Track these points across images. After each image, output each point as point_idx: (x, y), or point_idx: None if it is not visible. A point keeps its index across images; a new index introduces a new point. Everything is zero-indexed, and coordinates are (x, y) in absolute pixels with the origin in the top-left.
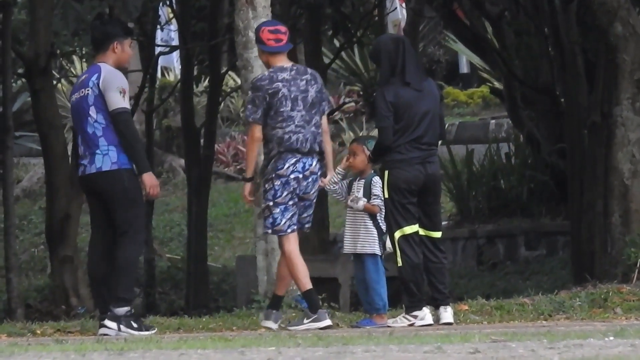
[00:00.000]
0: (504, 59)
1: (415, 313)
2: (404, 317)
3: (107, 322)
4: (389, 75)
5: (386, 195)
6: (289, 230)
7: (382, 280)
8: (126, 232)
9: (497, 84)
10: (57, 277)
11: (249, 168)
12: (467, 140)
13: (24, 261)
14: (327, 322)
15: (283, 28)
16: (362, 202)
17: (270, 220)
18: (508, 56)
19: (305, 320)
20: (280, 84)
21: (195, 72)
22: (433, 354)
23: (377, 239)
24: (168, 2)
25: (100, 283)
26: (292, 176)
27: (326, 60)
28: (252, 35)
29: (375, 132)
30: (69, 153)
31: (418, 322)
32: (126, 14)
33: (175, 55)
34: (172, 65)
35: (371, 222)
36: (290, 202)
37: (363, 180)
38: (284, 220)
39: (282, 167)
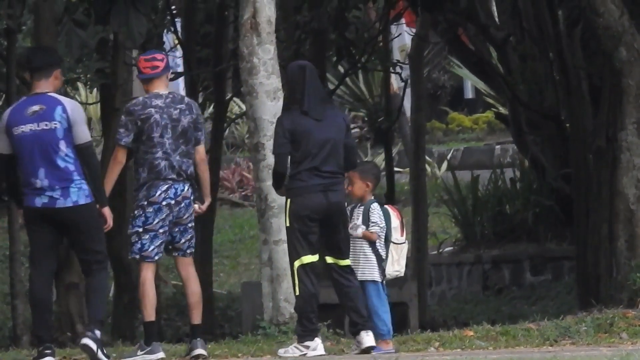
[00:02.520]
0: (509, 84)
1: (307, 343)
2: (295, 347)
3: (89, 342)
4: (288, 103)
5: (287, 224)
6: (156, 258)
7: (385, 306)
8: (101, 261)
9: (502, 109)
10: (63, 303)
11: (107, 190)
12: (472, 165)
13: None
14: (161, 354)
15: (160, 55)
16: (361, 230)
17: (139, 246)
18: (513, 81)
19: (139, 352)
20: (152, 110)
21: (200, 99)
22: None
23: (376, 265)
24: (173, 29)
25: (46, 311)
26: (164, 203)
27: (331, 86)
28: (256, 61)
29: (379, 158)
30: None
31: (310, 353)
32: (131, 40)
33: (181, 81)
34: (177, 91)
35: (370, 249)
36: (161, 230)
37: (362, 207)
38: (152, 247)
39: (155, 194)
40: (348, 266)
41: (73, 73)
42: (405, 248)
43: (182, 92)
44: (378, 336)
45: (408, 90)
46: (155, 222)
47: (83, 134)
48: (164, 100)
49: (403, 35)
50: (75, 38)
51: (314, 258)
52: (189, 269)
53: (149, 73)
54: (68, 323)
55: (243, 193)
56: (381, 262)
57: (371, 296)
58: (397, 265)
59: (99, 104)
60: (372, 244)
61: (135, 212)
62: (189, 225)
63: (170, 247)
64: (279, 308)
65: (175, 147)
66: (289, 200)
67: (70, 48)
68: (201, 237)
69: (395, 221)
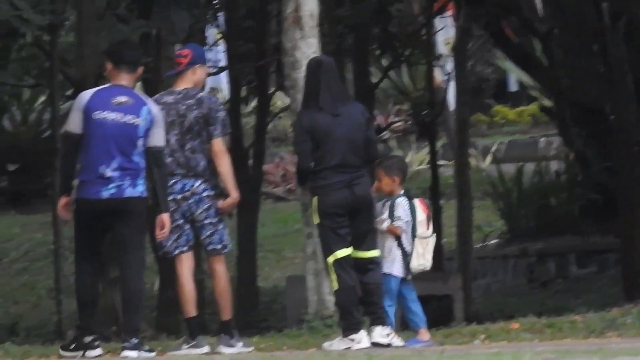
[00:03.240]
0: (553, 77)
1: (352, 336)
2: (340, 340)
3: (130, 353)
4: (307, 100)
5: (316, 221)
6: (176, 252)
7: (413, 298)
8: (141, 258)
9: (546, 102)
10: (107, 298)
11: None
12: (517, 158)
13: (74, 283)
14: (206, 348)
15: (185, 51)
16: (386, 224)
17: (159, 241)
18: (556, 74)
19: (184, 346)
20: (159, 107)
21: (243, 93)
22: None
23: (400, 260)
24: (215, 23)
25: (93, 304)
26: (169, 197)
27: (374, 80)
28: (299, 55)
29: (423, 152)
30: None
31: (355, 346)
32: (173, 35)
33: (224, 76)
34: (220, 86)
35: (395, 243)
36: (173, 225)
37: (389, 202)
38: (169, 242)
39: (174, 189)
40: (374, 258)
41: None
42: (431, 242)
43: (225, 86)
44: (415, 327)
45: (452, 84)
46: (176, 215)
47: (161, 137)
48: (176, 96)
49: (447, 29)
50: (117, 33)
51: (348, 251)
52: (215, 266)
53: (173, 70)
54: (113, 317)
55: (287, 187)
56: (406, 256)
57: (391, 290)
58: (422, 259)
59: None
60: (397, 238)
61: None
62: (206, 222)
63: (199, 242)
64: (323, 301)
65: (182, 143)
66: (315, 198)
67: (113, 43)
68: (245, 232)
69: (421, 215)
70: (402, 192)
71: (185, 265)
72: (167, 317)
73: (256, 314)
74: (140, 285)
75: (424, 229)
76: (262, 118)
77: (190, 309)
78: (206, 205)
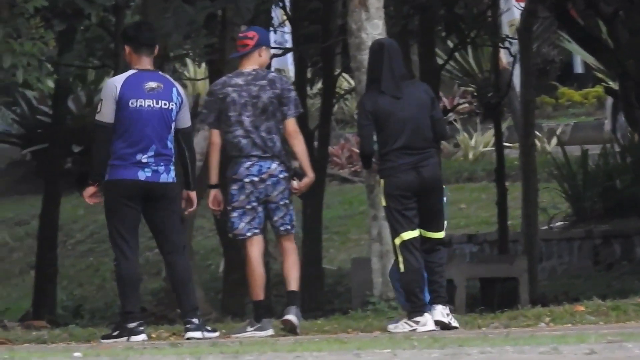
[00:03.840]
0: (618, 59)
1: (417, 318)
2: (405, 322)
3: (193, 334)
4: (369, 83)
5: (383, 203)
6: (249, 234)
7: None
8: (183, 239)
9: (612, 84)
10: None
11: (211, 174)
12: (582, 140)
13: (139, 265)
14: (270, 331)
15: (251, 33)
16: None
17: (229, 223)
18: (622, 56)
19: (248, 328)
20: (230, 89)
21: (308, 74)
22: (549, 354)
23: None
24: (281, 4)
25: (137, 287)
26: (246, 180)
27: (440, 61)
28: (365, 36)
29: (488, 134)
30: None
31: (420, 328)
32: (239, 16)
33: (289, 57)
34: (286, 67)
35: None
36: (248, 206)
37: None
38: (242, 224)
39: (237, 171)
40: (441, 239)
41: (181, 49)
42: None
43: (291, 67)
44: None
45: (517, 65)
46: (240, 199)
47: (188, 118)
48: (246, 77)
49: (512, 10)
50: (183, 14)
51: (415, 234)
52: (286, 244)
53: (238, 52)
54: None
55: (352, 169)
56: None
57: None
58: None
59: (207, 80)
60: None
61: (228, 189)
62: (281, 203)
63: (270, 223)
64: (388, 283)
65: (257, 124)
66: (382, 181)
67: (178, 24)
68: (311, 214)
69: None
70: None
71: (257, 248)
72: (232, 299)
73: (321, 296)
74: (187, 265)
75: None
76: (327, 100)
77: (259, 292)
78: (282, 187)
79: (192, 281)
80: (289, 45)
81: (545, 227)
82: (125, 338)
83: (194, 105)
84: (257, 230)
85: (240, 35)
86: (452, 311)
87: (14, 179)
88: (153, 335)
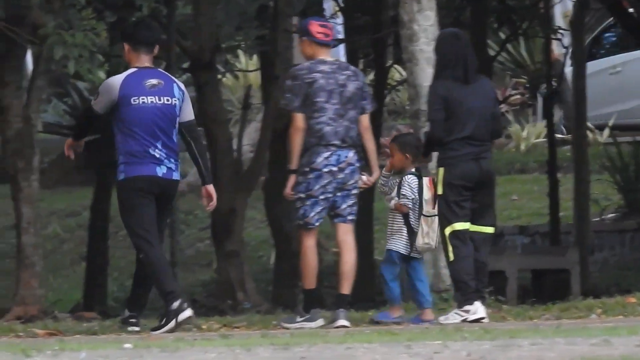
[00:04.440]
0: None
1: (466, 307)
2: (456, 313)
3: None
4: (442, 70)
5: (440, 192)
6: (317, 224)
7: (419, 277)
8: (162, 238)
9: None
10: (223, 271)
11: (293, 159)
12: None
13: (190, 256)
14: (320, 322)
15: (330, 25)
16: (393, 201)
17: (301, 212)
18: None
19: (298, 318)
20: (318, 75)
21: (360, 66)
22: (599, 346)
23: (405, 237)
24: None
25: (170, 268)
26: (325, 169)
27: (491, 53)
28: (416, 28)
29: (540, 125)
30: (234, 147)
31: (470, 317)
32: (291, 7)
33: (341, 48)
34: (338, 58)
35: (402, 221)
36: (322, 197)
37: (400, 179)
38: (312, 214)
39: (316, 161)
40: (490, 235)
41: (233, 40)
42: (435, 221)
43: (343, 59)
44: (418, 306)
45: (569, 57)
46: (316, 188)
47: (192, 112)
48: (330, 66)
49: (565, 1)
50: (234, 5)
51: (466, 225)
52: (346, 237)
53: (323, 39)
54: (228, 291)
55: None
56: (412, 234)
57: (392, 264)
58: (427, 237)
59: (258, 72)
60: (405, 216)
61: (299, 178)
62: (353, 191)
63: (332, 212)
64: (439, 275)
65: (342, 112)
66: (442, 169)
67: (230, 15)
68: (362, 205)
69: (427, 194)
70: (413, 169)
71: (314, 238)
72: (282, 290)
73: (372, 287)
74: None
75: (430, 207)
76: (379, 91)
77: (312, 281)
78: (357, 176)
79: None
80: (340, 36)
81: (597, 219)
82: (173, 321)
83: (245, 97)
84: (321, 221)
85: (321, 24)
86: (503, 303)
87: (65, 170)
88: (203, 327)
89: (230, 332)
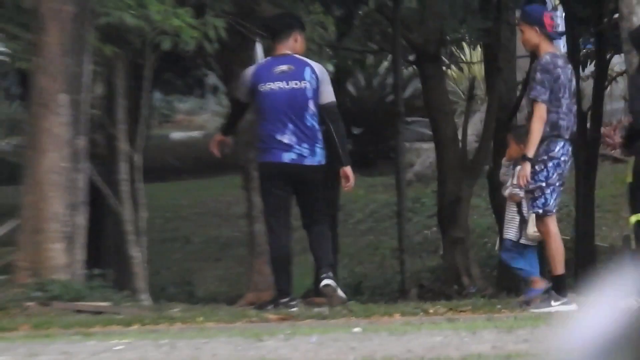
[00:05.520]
0: None
1: None
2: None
3: (328, 282)
4: None
5: (629, 179)
6: (554, 211)
7: (517, 263)
8: (325, 219)
9: None
10: (449, 257)
11: (531, 148)
12: None
13: (417, 243)
14: (574, 306)
15: (557, 20)
16: (508, 191)
17: (542, 200)
18: None
19: (553, 303)
20: (559, 70)
21: (580, 57)
22: None
23: (516, 225)
24: None
25: (288, 265)
26: (562, 159)
27: None
28: (636, 20)
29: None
30: (459, 138)
31: None
32: (513, 0)
33: (562, 40)
34: (559, 49)
35: (515, 209)
36: (558, 184)
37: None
38: (551, 201)
39: (554, 150)
40: None
41: (457, 33)
42: None
43: (563, 49)
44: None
45: None
46: (554, 177)
47: (330, 94)
48: (562, 60)
49: None
50: None
51: None
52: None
53: (554, 32)
54: (454, 276)
55: None
56: (523, 222)
57: (508, 251)
58: (535, 227)
59: (482, 63)
60: (518, 204)
61: (536, 167)
62: (558, 184)
63: None
64: None
65: (570, 107)
66: (633, 158)
67: (454, 8)
68: (583, 192)
69: None
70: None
71: (556, 224)
72: (506, 275)
73: (593, 271)
74: (322, 230)
75: None
76: (600, 82)
77: (562, 266)
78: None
79: (328, 242)
80: (561, 28)
81: None
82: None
83: (469, 88)
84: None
85: (551, 16)
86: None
87: None
88: (430, 311)
89: (456, 315)
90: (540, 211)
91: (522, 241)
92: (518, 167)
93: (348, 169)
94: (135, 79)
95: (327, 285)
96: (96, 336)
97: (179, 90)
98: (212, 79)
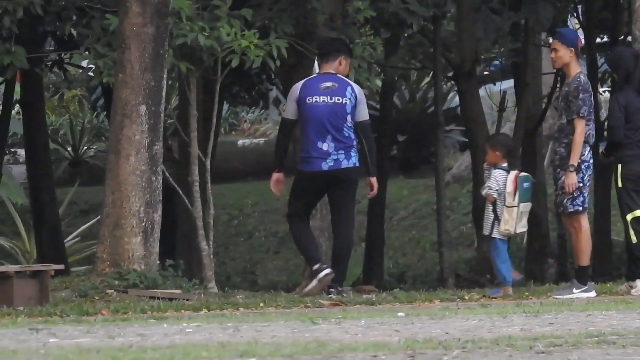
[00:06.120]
0: None
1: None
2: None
3: (329, 271)
4: (623, 83)
5: (619, 184)
6: (585, 206)
7: (500, 258)
8: (352, 218)
9: None
10: (482, 250)
11: (576, 158)
12: None
13: (454, 237)
14: (593, 293)
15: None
16: (485, 191)
17: (581, 199)
18: None
19: (574, 290)
20: (591, 89)
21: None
22: None
23: (492, 223)
24: (575, 14)
25: (310, 238)
26: (590, 161)
27: None
28: None
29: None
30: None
31: (633, 292)
32: (539, 24)
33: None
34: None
35: (490, 208)
36: (588, 184)
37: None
38: (585, 199)
39: (584, 154)
40: None
41: (490, 53)
42: (514, 211)
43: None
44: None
45: None
46: (586, 177)
47: (365, 113)
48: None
49: None
50: (491, 23)
51: None
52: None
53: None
54: (487, 267)
55: None
56: (496, 219)
57: (489, 249)
58: (507, 224)
59: (511, 80)
60: (493, 204)
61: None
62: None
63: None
64: None
65: (591, 117)
66: (619, 165)
67: (487, 31)
68: (600, 192)
69: (509, 187)
70: (504, 164)
71: (587, 220)
72: (533, 266)
73: (609, 263)
74: (350, 242)
75: (510, 199)
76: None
77: (587, 259)
78: None
79: (348, 257)
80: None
81: None
82: (315, 280)
83: (500, 101)
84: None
85: (582, 40)
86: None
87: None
88: (466, 297)
89: (488, 302)
90: (580, 208)
91: (494, 235)
92: (494, 170)
93: (374, 180)
94: (206, 92)
95: (327, 274)
96: (168, 320)
97: (245, 102)
98: (274, 92)
